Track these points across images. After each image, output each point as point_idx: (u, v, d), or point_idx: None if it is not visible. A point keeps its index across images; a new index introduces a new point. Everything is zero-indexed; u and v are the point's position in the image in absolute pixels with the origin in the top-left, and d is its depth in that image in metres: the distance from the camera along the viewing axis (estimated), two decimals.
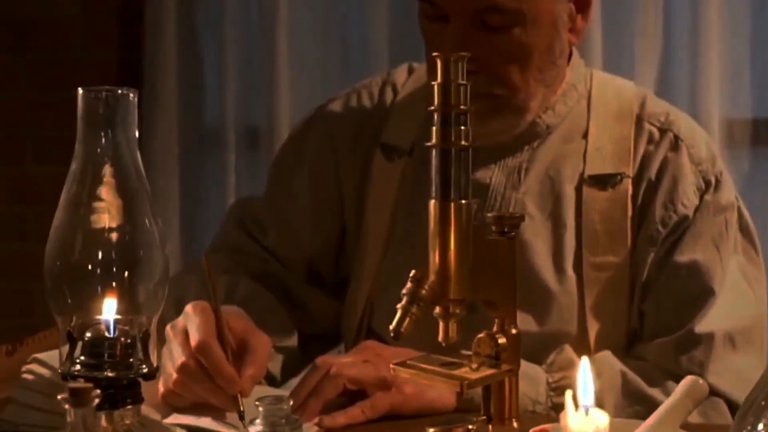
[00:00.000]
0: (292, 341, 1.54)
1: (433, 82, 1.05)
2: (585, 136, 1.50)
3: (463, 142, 1.04)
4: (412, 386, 1.30)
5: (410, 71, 1.63)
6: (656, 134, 1.49)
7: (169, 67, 2.88)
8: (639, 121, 1.50)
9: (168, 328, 1.29)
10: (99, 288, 1.01)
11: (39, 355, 1.23)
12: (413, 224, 1.50)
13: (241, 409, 1.22)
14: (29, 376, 1.22)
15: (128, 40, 3.00)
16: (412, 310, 1.03)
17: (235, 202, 1.78)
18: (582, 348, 1.42)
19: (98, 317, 1.01)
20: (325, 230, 1.60)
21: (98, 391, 0.81)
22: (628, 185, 1.47)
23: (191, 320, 1.27)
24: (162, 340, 1.29)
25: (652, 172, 1.47)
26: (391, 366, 1.06)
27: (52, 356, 1.19)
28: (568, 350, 1.42)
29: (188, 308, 1.29)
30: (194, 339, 1.24)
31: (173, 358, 1.26)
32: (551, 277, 1.46)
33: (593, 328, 1.45)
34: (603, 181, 1.47)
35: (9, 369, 1.29)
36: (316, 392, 1.29)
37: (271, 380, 1.48)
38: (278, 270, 1.59)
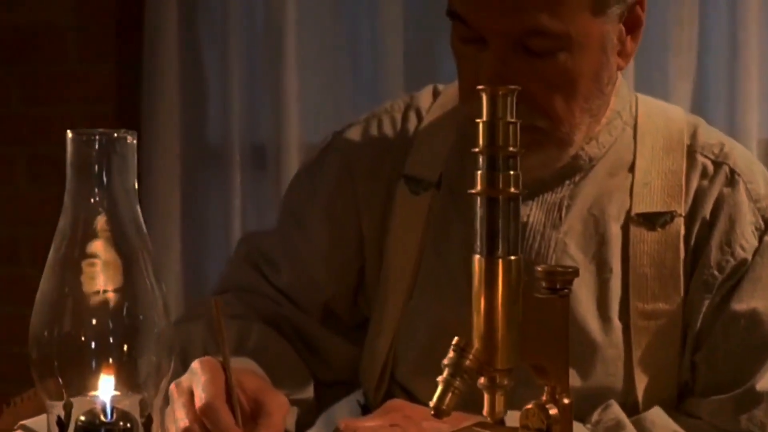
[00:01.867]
0: (309, 393, 1.43)
1: (477, 120, 0.93)
2: (631, 169, 1.38)
3: (512, 189, 0.93)
4: None
5: (435, 94, 1.51)
6: (710, 168, 1.37)
7: (169, 81, 2.78)
8: (691, 153, 1.38)
9: (172, 386, 1.19)
10: (93, 362, 0.88)
11: (26, 422, 1.14)
12: (441, 264, 1.39)
13: None
14: None
15: (126, 53, 2.90)
16: (455, 383, 0.93)
17: (243, 237, 1.66)
18: (629, 404, 1.32)
19: (93, 395, 0.88)
20: (343, 270, 1.48)
21: None
22: (680, 225, 1.34)
23: (197, 379, 1.17)
24: (166, 402, 1.19)
25: (707, 210, 1.35)
26: None
27: (39, 422, 1.09)
28: (615, 408, 1.30)
29: (195, 365, 1.19)
30: (200, 400, 1.15)
31: (176, 420, 1.16)
32: (596, 327, 1.33)
33: (641, 383, 1.33)
34: (652, 220, 1.35)
35: None
36: None
37: None
38: (291, 312, 1.48)
